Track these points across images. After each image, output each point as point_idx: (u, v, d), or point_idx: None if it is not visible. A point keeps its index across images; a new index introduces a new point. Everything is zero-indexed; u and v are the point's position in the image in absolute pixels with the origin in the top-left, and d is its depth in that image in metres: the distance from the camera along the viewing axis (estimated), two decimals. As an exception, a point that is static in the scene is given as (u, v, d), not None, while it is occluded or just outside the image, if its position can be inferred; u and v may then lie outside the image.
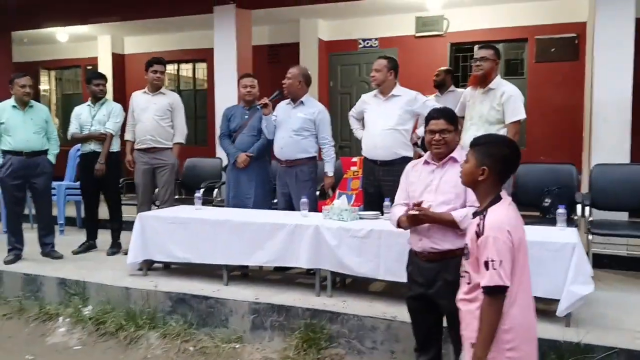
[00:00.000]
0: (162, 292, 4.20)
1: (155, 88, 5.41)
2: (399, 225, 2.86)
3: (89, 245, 5.59)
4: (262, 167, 4.92)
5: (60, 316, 4.38)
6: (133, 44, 9.99)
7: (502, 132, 4.15)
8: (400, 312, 3.56)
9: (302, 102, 4.69)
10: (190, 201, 5.67)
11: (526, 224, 2.20)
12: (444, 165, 2.74)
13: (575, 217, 4.39)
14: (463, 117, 4.24)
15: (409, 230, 2.83)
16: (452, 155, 2.73)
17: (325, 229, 3.90)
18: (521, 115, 4.08)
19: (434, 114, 2.77)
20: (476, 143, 2.18)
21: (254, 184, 4.86)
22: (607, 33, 4.95)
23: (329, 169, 4.71)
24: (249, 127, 4.92)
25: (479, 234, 2.04)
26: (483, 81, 4.16)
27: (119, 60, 9.91)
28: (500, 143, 2.19)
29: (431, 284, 2.70)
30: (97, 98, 5.47)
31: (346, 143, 8.28)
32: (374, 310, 3.67)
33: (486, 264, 1.98)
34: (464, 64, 7.80)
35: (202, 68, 9.78)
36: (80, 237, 5.76)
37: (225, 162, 6.29)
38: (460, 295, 2.21)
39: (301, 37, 8.33)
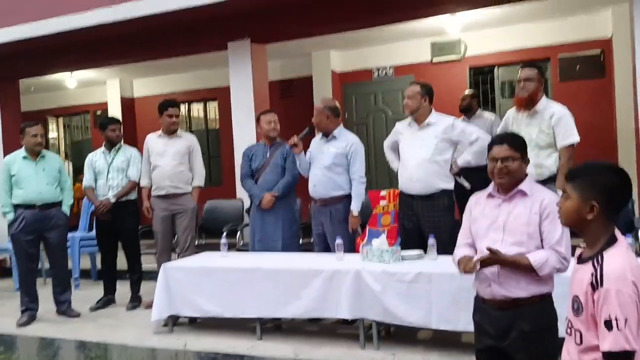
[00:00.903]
0: (192, 351, 3.86)
1: (172, 131, 5.18)
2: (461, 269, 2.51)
3: (108, 300, 5.26)
4: (288, 206, 4.64)
5: (81, 382, 4.04)
6: (142, 87, 9.84)
7: (554, 157, 3.85)
8: (460, 365, 3.22)
9: (334, 136, 4.42)
10: (212, 247, 5.37)
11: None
12: (511, 199, 2.40)
13: (634, 244, 4.04)
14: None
15: (472, 275, 2.49)
16: (520, 187, 2.40)
17: (367, 273, 3.58)
18: (575, 138, 3.78)
19: (497, 139, 2.46)
20: (576, 175, 1.82)
21: (280, 224, 4.57)
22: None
23: (355, 207, 4.35)
24: (272, 165, 4.66)
25: (595, 286, 1.67)
26: (529, 103, 3.87)
27: (128, 104, 9.75)
28: (608, 171, 1.80)
29: (504, 335, 2.34)
30: (113, 144, 5.24)
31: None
32: (430, 363, 3.31)
33: (608, 323, 1.61)
34: (484, 87, 7.56)
35: (213, 107, 9.61)
36: (97, 290, 5.46)
37: (247, 203, 6.03)
38: (569, 356, 1.83)
39: (314, 70, 8.14)
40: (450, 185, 4.06)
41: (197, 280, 4.10)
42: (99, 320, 4.82)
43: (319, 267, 3.74)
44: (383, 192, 5.31)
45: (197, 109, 9.86)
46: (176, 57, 7.04)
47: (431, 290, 3.40)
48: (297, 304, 3.77)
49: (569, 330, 1.81)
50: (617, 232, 1.77)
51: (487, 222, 2.42)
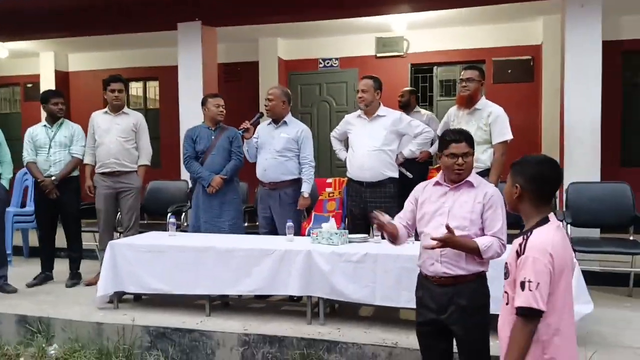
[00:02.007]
0: (140, 326, 3.89)
1: (117, 108, 5.11)
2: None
3: (45, 277, 5.15)
4: (233, 189, 4.73)
5: (21, 357, 3.96)
6: (78, 61, 9.49)
7: (489, 152, 4.19)
8: (400, 338, 3.48)
9: (285, 122, 4.56)
10: (155, 227, 5.38)
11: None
12: (458, 188, 2.64)
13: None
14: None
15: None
16: (468, 179, 2.64)
17: (317, 253, 3.76)
18: (508, 135, 4.14)
19: (457, 137, 2.63)
20: (514, 164, 2.15)
21: (227, 206, 4.66)
22: (576, 56, 5.13)
23: (306, 188, 4.54)
24: (218, 148, 4.70)
25: (519, 253, 1.98)
26: (470, 101, 4.19)
27: (62, 77, 9.36)
28: (534, 162, 2.12)
29: (444, 309, 2.59)
30: (55, 118, 5.10)
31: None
32: (372, 337, 3.55)
33: (522, 284, 1.92)
34: (423, 84, 7.92)
35: (153, 87, 9.42)
36: (30, 267, 5.36)
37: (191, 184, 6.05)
38: (501, 318, 2.13)
39: (260, 55, 8.20)
40: (396, 174, 4.32)
41: (147, 258, 4.12)
42: (38, 296, 4.72)
43: (272, 247, 3.88)
44: (329, 180, 5.55)
45: (136, 87, 9.63)
46: (122, 34, 6.88)
47: (376, 270, 3.62)
48: (248, 282, 3.89)
49: (503, 294, 2.11)
50: (552, 216, 2.07)
51: (434, 208, 2.65)
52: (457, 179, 2.62)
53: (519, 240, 2.03)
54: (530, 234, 2.01)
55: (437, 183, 2.70)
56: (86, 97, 9.02)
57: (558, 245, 1.98)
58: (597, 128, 5.06)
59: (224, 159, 4.70)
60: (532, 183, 2.06)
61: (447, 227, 2.44)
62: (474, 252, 2.51)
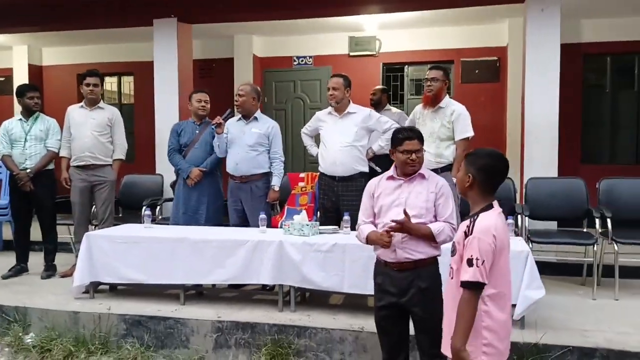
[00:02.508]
0: (116, 315, 4.01)
1: (93, 102, 5.20)
2: (367, 242, 2.93)
3: (20, 269, 5.22)
4: (213, 182, 4.87)
5: (-2, 346, 4.06)
6: (52, 55, 9.47)
7: (452, 148, 4.42)
8: (366, 323, 3.67)
9: (255, 118, 4.71)
10: (130, 219, 5.47)
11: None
12: (411, 180, 2.85)
13: (515, 228, 4.72)
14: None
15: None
16: (420, 172, 2.86)
17: (288, 244, 3.93)
18: (470, 132, 4.37)
19: (410, 135, 2.85)
20: (468, 155, 2.43)
21: (205, 198, 4.81)
22: (536, 58, 5.40)
23: (276, 182, 4.71)
24: (200, 141, 4.86)
25: (467, 234, 2.23)
26: (434, 100, 4.40)
27: (36, 71, 9.34)
28: (485, 155, 2.37)
29: (404, 292, 2.80)
30: (31, 112, 5.16)
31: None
32: (340, 323, 3.74)
33: (469, 261, 2.18)
34: (395, 83, 8.15)
35: (128, 82, 9.46)
36: (5, 260, 5.40)
37: (167, 178, 6.16)
38: (447, 292, 2.41)
39: (235, 52, 8.32)
40: (366, 168, 4.51)
41: (123, 249, 4.24)
42: (13, 287, 4.79)
43: (245, 238, 4.04)
44: (302, 175, 5.71)
45: (110, 82, 9.64)
46: (97, 29, 6.93)
47: (345, 259, 3.81)
48: (221, 272, 4.04)
49: (449, 270, 2.38)
50: (495, 203, 2.34)
51: (390, 200, 2.86)
52: (412, 171, 2.83)
53: (467, 222, 2.28)
54: (477, 217, 2.26)
55: (391, 177, 2.91)
56: (60, 91, 9.02)
57: (500, 228, 2.25)
58: (554, 126, 5.34)
59: (206, 153, 4.84)
60: (482, 173, 2.31)
61: (405, 213, 2.66)
62: (427, 237, 2.74)
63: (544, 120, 5.34)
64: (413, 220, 2.75)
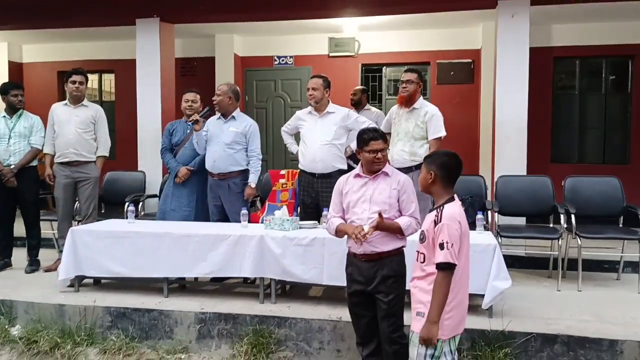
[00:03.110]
0: (101, 307, 4.13)
1: (77, 100, 5.30)
2: (337, 233, 3.16)
3: (5, 264, 5.29)
4: (202, 180, 4.99)
5: (-16, 339, 4.14)
6: (32, 53, 9.45)
7: (425, 147, 4.63)
8: (344, 314, 3.83)
9: (233, 117, 4.84)
10: (112, 215, 5.57)
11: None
12: (376, 178, 3.07)
13: (485, 223, 4.95)
14: (389, 133, 4.65)
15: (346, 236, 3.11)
16: (384, 170, 3.08)
17: (269, 238, 4.09)
18: (442, 132, 4.58)
19: (375, 135, 3.06)
20: (427, 157, 2.80)
21: (195, 196, 4.96)
22: (506, 61, 5.65)
23: (253, 179, 4.82)
24: (190, 141, 4.99)
25: (436, 222, 2.55)
26: (408, 101, 4.61)
27: (16, 68, 9.31)
28: (442, 155, 2.75)
29: (370, 281, 3.04)
30: (15, 109, 5.24)
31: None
32: (319, 313, 3.92)
33: (441, 245, 2.50)
34: (373, 83, 8.35)
35: (109, 79, 9.50)
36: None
37: (149, 175, 6.29)
38: (415, 274, 2.71)
39: (217, 51, 8.42)
40: (345, 165, 4.69)
41: (107, 243, 4.35)
42: (-1, 281, 4.88)
43: (227, 232, 4.19)
44: (283, 172, 5.86)
45: (92, 80, 9.65)
46: (80, 27, 7.00)
47: (324, 252, 3.99)
48: (204, 265, 4.18)
49: (416, 255, 2.69)
50: (456, 196, 2.68)
51: (357, 196, 3.09)
52: (377, 169, 3.06)
53: (434, 212, 2.60)
54: (443, 208, 2.59)
55: (358, 175, 3.14)
56: (40, 88, 9.01)
57: (462, 216, 2.61)
58: (523, 127, 5.60)
59: (195, 152, 4.97)
60: (442, 170, 2.66)
61: (380, 215, 2.87)
62: (397, 231, 2.99)
63: (514, 121, 5.60)
64: (376, 216, 2.94)
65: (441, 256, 2.48)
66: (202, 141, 4.84)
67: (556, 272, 4.84)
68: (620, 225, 5.03)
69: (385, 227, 2.94)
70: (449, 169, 2.67)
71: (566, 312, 3.98)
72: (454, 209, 2.59)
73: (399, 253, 3.06)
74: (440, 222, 2.53)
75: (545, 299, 4.34)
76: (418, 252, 2.70)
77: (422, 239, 2.65)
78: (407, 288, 2.95)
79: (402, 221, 2.98)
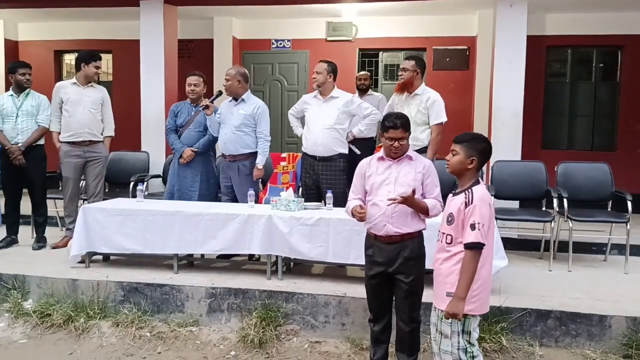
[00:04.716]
0: (114, 282, 4.27)
1: (87, 81, 5.38)
2: (354, 216, 3.19)
3: (11, 240, 5.40)
4: (206, 161, 5.13)
5: (-4, 311, 4.26)
6: (28, 31, 9.42)
7: (427, 132, 4.80)
8: (348, 289, 4.05)
9: (243, 100, 4.97)
10: (117, 194, 5.70)
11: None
12: (400, 161, 3.15)
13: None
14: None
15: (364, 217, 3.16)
16: (408, 154, 3.17)
17: (277, 218, 4.25)
18: (443, 118, 4.75)
19: (394, 124, 3.08)
20: (463, 139, 2.75)
21: (198, 177, 5.08)
22: (504, 50, 5.82)
23: (260, 160, 4.93)
24: (195, 122, 5.11)
25: (467, 204, 2.62)
26: (404, 88, 4.77)
27: (11, 46, 9.30)
28: (483, 139, 2.78)
29: (392, 262, 3.11)
30: (22, 88, 5.30)
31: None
32: (325, 289, 4.10)
33: (472, 225, 2.57)
34: (369, 68, 8.47)
35: (106, 59, 9.50)
36: (-5, 231, 5.55)
37: (152, 155, 6.40)
38: (439, 255, 2.78)
39: (215, 34, 8.47)
40: (346, 150, 4.84)
41: (119, 220, 4.47)
42: (8, 257, 4.97)
43: (236, 212, 4.34)
44: (284, 155, 6.02)
45: (88, 59, 9.65)
46: (83, 7, 7.01)
47: (329, 232, 4.16)
48: (213, 242, 4.34)
49: (440, 236, 2.77)
50: (480, 179, 2.76)
51: (381, 178, 3.16)
52: (395, 157, 3.13)
53: (462, 196, 2.67)
54: (471, 190, 2.65)
55: (381, 158, 3.20)
56: (36, 67, 8.95)
57: (490, 198, 2.70)
58: (519, 113, 5.80)
59: (199, 134, 5.10)
60: (483, 156, 2.73)
61: (413, 191, 2.97)
62: (423, 211, 3.06)
63: (510, 107, 5.79)
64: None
65: (472, 236, 2.56)
66: (215, 125, 4.95)
67: (547, 254, 5.07)
68: (609, 209, 5.27)
69: (415, 203, 3.00)
70: (487, 155, 2.75)
71: (558, 290, 4.21)
72: (484, 191, 2.66)
73: (419, 235, 3.14)
74: (471, 203, 2.60)
75: (538, 278, 4.57)
76: (443, 233, 2.75)
77: (450, 221, 2.70)
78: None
79: (429, 202, 3.06)
